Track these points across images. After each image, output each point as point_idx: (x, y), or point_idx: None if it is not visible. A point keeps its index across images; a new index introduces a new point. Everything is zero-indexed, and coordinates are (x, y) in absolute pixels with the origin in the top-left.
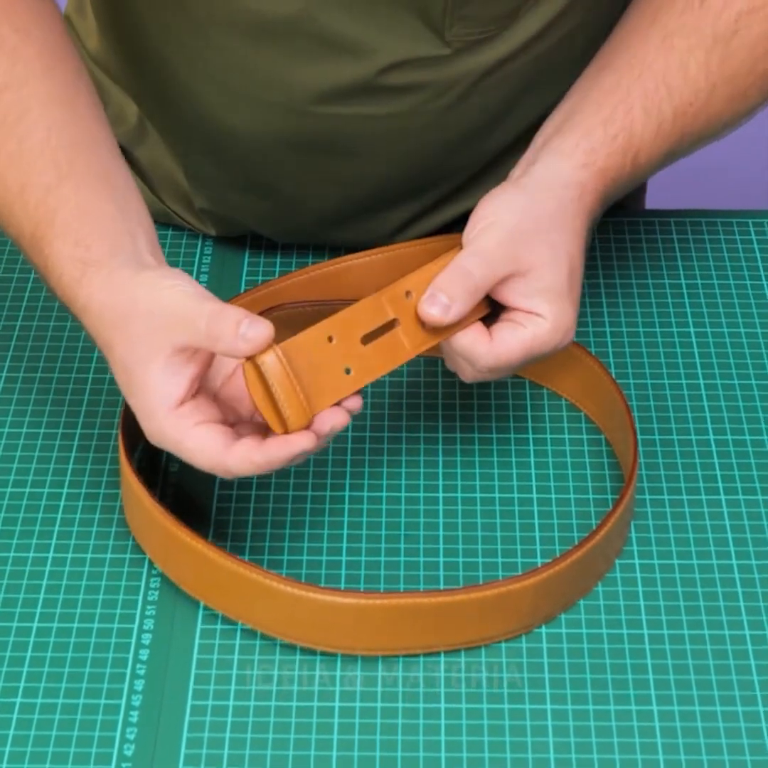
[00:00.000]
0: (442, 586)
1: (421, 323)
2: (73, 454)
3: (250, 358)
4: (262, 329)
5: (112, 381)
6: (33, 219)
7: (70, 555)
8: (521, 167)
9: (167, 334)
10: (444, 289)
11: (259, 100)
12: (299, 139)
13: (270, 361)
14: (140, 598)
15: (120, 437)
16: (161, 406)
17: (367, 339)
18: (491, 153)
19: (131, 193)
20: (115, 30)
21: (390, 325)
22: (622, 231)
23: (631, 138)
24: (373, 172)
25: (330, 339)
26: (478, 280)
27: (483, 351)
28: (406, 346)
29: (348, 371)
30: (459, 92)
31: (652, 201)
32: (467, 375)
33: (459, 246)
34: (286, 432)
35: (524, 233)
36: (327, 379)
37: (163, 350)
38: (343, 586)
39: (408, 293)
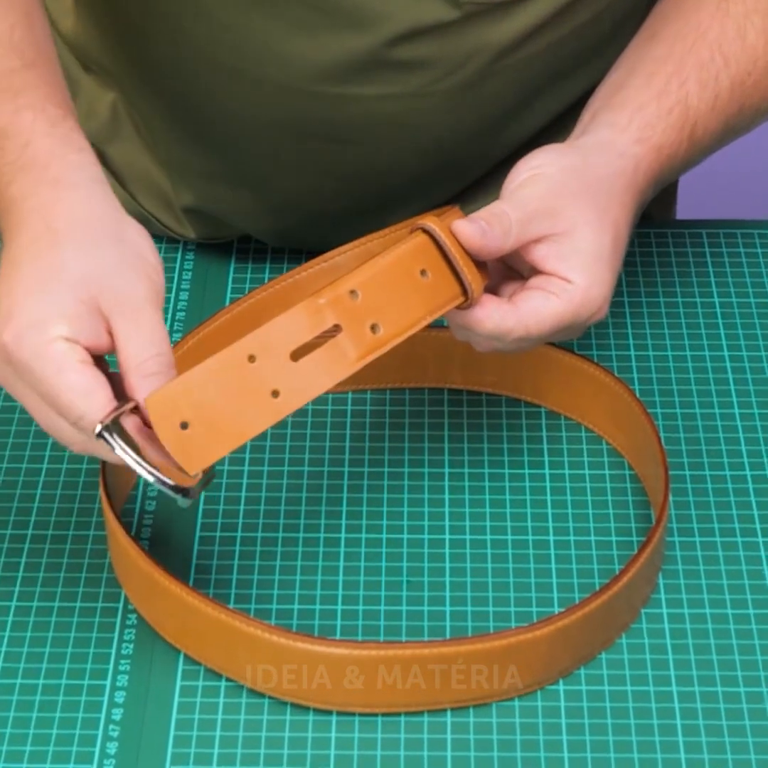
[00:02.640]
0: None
1: (372, 327)
2: (38, 491)
3: (418, 230)
4: None
5: None
6: None
7: (35, 604)
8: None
9: None
10: (482, 218)
11: (250, 77)
12: (294, 124)
13: (437, 229)
14: (113, 651)
15: (101, 485)
16: None
17: (297, 354)
18: (507, 148)
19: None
20: (93, 2)
21: (329, 333)
22: (649, 243)
23: (686, 112)
24: (376, 163)
25: (252, 358)
26: (513, 222)
27: (512, 324)
28: (350, 356)
29: (275, 394)
30: (470, 72)
31: (683, 210)
32: (483, 346)
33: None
34: (467, 299)
35: (569, 190)
36: (247, 406)
37: None
38: (338, 637)
39: (353, 293)
